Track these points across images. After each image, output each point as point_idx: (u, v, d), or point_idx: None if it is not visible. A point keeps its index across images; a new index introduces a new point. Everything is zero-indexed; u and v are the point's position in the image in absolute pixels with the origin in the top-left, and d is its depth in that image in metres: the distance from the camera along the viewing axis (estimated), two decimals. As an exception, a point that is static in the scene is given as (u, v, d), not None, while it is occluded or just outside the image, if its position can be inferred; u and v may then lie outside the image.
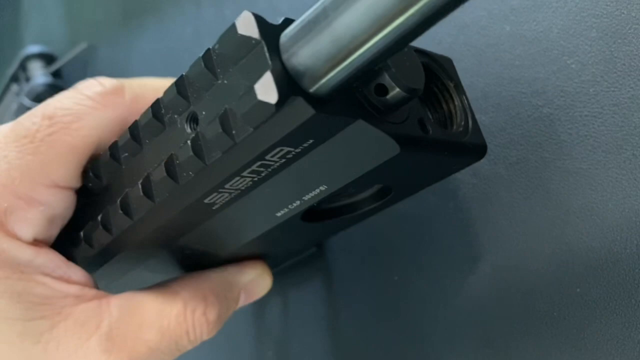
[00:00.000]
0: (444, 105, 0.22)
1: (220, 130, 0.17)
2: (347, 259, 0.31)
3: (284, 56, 0.16)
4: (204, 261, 0.25)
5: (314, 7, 0.15)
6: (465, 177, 0.26)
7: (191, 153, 0.18)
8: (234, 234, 0.23)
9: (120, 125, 0.23)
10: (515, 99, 0.25)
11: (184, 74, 0.19)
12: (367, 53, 0.15)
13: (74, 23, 0.55)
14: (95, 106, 0.22)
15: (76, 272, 0.23)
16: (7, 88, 0.56)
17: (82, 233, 0.23)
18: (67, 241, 0.24)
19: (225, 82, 0.17)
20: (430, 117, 0.21)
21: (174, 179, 0.19)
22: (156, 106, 0.20)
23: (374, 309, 0.29)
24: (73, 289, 0.22)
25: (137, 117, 0.21)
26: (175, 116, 0.19)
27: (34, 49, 0.54)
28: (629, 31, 0.22)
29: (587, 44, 0.23)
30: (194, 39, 0.41)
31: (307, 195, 0.21)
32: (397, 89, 0.18)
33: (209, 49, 0.18)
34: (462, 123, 0.21)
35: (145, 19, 0.45)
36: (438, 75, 0.22)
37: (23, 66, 0.54)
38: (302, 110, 0.16)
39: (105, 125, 0.22)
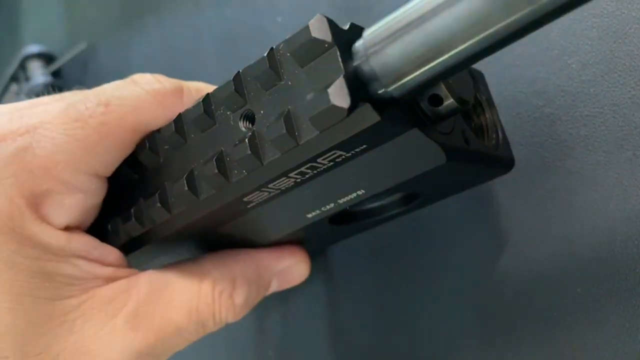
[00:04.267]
0: (477, 119, 0.22)
1: (284, 131, 0.17)
2: (347, 259, 0.31)
3: (356, 61, 0.16)
4: (236, 245, 0.25)
5: (395, 14, 0.16)
6: (465, 177, 0.26)
7: (249, 152, 0.18)
8: (260, 231, 0.23)
9: None
10: (516, 98, 0.25)
11: (240, 71, 0.19)
12: (448, 61, 0.15)
13: (74, 23, 0.55)
14: (153, 103, 0.22)
15: (112, 254, 0.23)
16: (6, 88, 0.56)
17: (115, 222, 0.23)
18: (102, 225, 0.23)
19: (290, 83, 0.17)
20: (471, 124, 0.21)
21: (225, 176, 0.19)
22: (207, 101, 0.20)
23: (374, 308, 0.29)
24: (107, 270, 0.22)
25: None
26: (228, 113, 0.19)
27: (33, 48, 0.54)
28: (630, 31, 0.22)
29: (587, 44, 0.23)
30: (194, 39, 0.41)
31: (343, 199, 0.21)
32: (451, 100, 0.18)
33: (272, 49, 0.18)
34: (494, 136, 0.22)
35: (145, 19, 0.45)
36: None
37: (22, 66, 0.54)
38: (368, 116, 0.16)
39: (159, 124, 0.22)
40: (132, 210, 0.22)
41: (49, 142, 0.20)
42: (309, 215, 0.22)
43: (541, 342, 0.24)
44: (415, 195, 0.23)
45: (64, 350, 0.21)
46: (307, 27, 0.16)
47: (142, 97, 0.21)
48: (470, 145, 0.20)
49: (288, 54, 0.17)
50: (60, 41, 0.55)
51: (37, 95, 0.53)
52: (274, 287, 0.26)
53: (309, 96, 0.17)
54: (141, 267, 0.24)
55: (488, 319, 0.25)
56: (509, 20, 0.14)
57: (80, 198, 0.21)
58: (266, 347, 0.34)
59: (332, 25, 0.16)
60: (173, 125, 0.21)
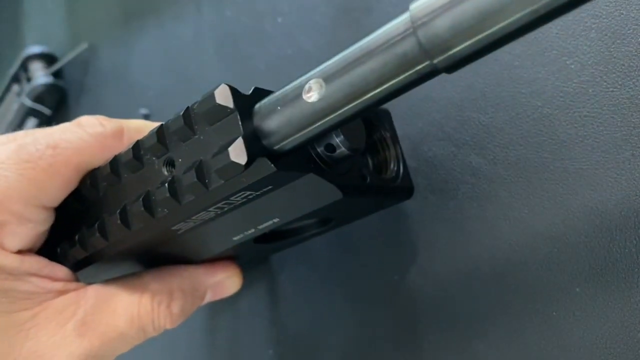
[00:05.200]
0: (381, 153, 0.26)
1: (195, 179, 0.20)
2: (347, 258, 0.31)
3: (255, 121, 0.20)
4: (174, 261, 0.28)
5: (289, 87, 0.19)
6: (465, 177, 0.26)
7: (168, 194, 0.21)
8: (194, 250, 0.27)
9: None
10: (515, 99, 0.25)
11: (163, 124, 0.22)
12: (328, 123, 0.18)
13: (75, 23, 0.55)
14: (95, 145, 0.25)
15: (60, 271, 0.26)
16: (8, 88, 0.56)
17: (63, 247, 0.26)
18: (53, 246, 0.26)
19: (201, 137, 0.21)
20: (370, 163, 0.25)
21: (150, 213, 0.22)
22: (137, 147, 0.23)
23: (374, 308, 0.30)
24: (57, 285, 0.25)
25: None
26: (154, 158, 0.22)
27: (34, 49, 0.54)
28: (628, 32, 0.22)
29: (586, 45, 0.23)
30: (194, 39, 0.41)
31: (261, 225, 0.24)
32: (343, 148, 0.21)
33: (188, 108, 0.21)
34: (395, 169, 0.26)
35: (145, 20, 0.46)
36: (378, 127, 0.26)
37: (24, 66, 0.54)
38: (265, 167, 0.19)
39: (100, 163, 0.25)
40: (76, 237, 0.25)
41: (3, 179, 0.23)
42: (235, 238, 0.25)
43: (541, 342, 0.24)
44: (329, 218, 0.26)
45: (19, 356, 0.24)
46: (213, 95, 0.20)
47: (85, 139, 0.24)
48: (367, 181, 0.23)
49: (200, 114, 0.20)
50: (62, 42, 0.55)
51: (39, 95, 0.53)
52: (209, 297, 0.29)
53: (215, 151, 0.20)
54: (89, 281, 0.27)
55: (487, 319, 0.25)
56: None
57: (30, 227, 0.25)
58: (266, 346, 0.34)
59: (235, 93, 0.20)
60: (109, 166, 0.24)
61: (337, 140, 0.21)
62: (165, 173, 0.22)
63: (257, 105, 0.20)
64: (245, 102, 0.20)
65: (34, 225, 0.25)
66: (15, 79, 0.55)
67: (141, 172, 0.23)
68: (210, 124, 0.20)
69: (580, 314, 0.23)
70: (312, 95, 0.18)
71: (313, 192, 0.22)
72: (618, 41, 0.22)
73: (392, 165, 0.26)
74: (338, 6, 0.32)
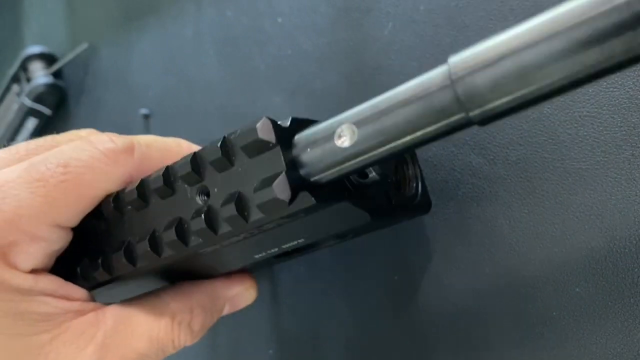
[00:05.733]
0: (401, 171, 0.26)
1: (235, 212, 0.20)
2: (347, 258, 0.31)
3: (295, 152, 0.20)
4: (193, 276, 0.28)
5: (323, 126, 0.19)
6: (465, 177, 0.26)
7: (204, 225, 0.21)
8: (213, 267, 0.27)
9: (126, 180, 0.25)
10: (515, 99, 0.25)
11: (197, 152, 0.22)
12: (361, 164, 0.19)
13: (75, 23, 0.55)
14: (107, 162, 0.24)
15: (76, 291, 0.25)
16: (7, 88, 0.56)
17: (84, 268, 0.26)
18: (71, 266, 0.26)
19: (240, 169, 0.21)
20: (392, 180, 0.25)
21: (183, 242, 0.22)
22: (167, 173, 0.23)
23: (374, 308, 0.30)
24: (74, 305, 0.25)
25: (142, 175, 0.24)
26: (186, 185, 0.22)
27: (34, 49, 0.54)
28: (628, 31, 0.22)
29: (586, 45, 0.23)
30: (195, 39, 0.41)
31: (285, 245, 0.24)
32: (374, 174, 0.22)
33: (225, 138, 0.21)
34: (415, 186, 0.26)
35: (145, 20, 0.46)
36: None
37: (24, 66, 0.54)
38: (306, 201, 0.19)
39: (113, 180, 0.25)
40: (99, 261, 0.25)
41: (13, 198, 0.23)
42: (256, 256, 0.25)
43: (541, 342, 0.24)
44: (346, 233, 0.27)
45: None
46: (255, 129, 0.20)
47: (96, 156, 0.24)
48: (391, 202, 0.24)
49: (239, 146, 0.20)
50: (62, 42, 0.55)
51: (39, 95, 0.53)
52: (226, 310, 0.29)
53: (257, 184, 0.20)
54: (105, 300, 0.26)
55: (487, 319, 0.25)
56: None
57: (43, 246, 0.24)
58: (267, 346, 0.34)
59: (276, 126, 0.20)
60: (136, 191, 0.23)
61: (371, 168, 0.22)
62: (200, 202, 0.22)
63: (296, 137, 0.20)
64: (285, 135, 0.20)
65: (47, 244, 0.24)
66: (15, 79, 0.55)
67: (171, 198, 0.23)
68: (249, 156, 0.20)
69: (580, 314, 0.23)
70: (344, 140, 0.19)
71: (342, 216, 0.22)
72: (618, 41, 0.22)
73: (412, 183, 0.26)
74: (338, 6, 0.32)
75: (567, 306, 0.23)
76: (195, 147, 0.28)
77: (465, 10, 0.27)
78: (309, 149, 0.20)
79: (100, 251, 0.25)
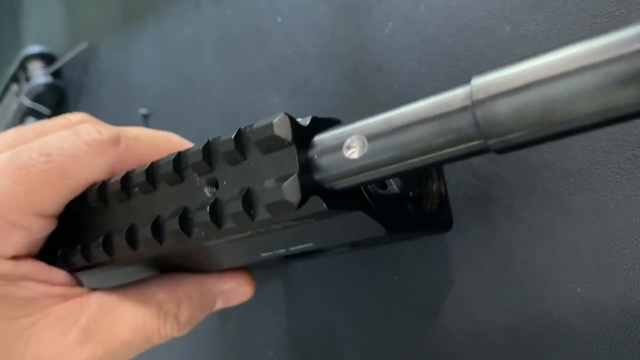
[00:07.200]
0: (424, 185, 0.25)
1: (241, 209, 0.19)
2: (347, 259, 0.31)
3: (310, 153, 0.19)
4: (195, 268, 0.27)
5: (342, 130, 0.19)
6: (465, 177, 0.26)
7: (208, 218, 0.20)
8: (218, 260, 0.26)
9: (111, 171, 0.25)
10: (515, 99, 0.25)
11: (210, 140, 0.21)
12: (376, 176, 0.18)
13: (74, 23, 0.55)
14: (91, 152, 0.24)
15: (59, 275, 0.25)
16: (7, 88, 0.56)
17: (79, 247, 0.25)
18: (57, 250, 0.26)
19: (252, 164, 0.20)
20: (414, 194, 0.24)
21: (186, 232, 0.21)
22: (178, 160, 0.22)
23: (374, 308, 0.29)
24: (57, 290, 0.25)
25: (127, 167, 0.24)
26: (195, 174, 0.21)
27: (33, 49, 0.54)
28: (629, 31, 0.22)
29: (587, 44, 0.23)
30: (194, 39, 0.41)
31: (294, 247, 0.23)
32: (394, 186, 0.21)
33: (239, 130, 0.20)
34: (437, 202, 0.25)
35: (145, 19, 0.45)
36: None
37: (23, 66, 0.54)
38: (317, 205, 0.18)
39: (96, 170, 0.25)
40: (97, 242, 0.24)
41: None
42: (263, 255, 0.24)
43: (541, 342, 0.24)
44: (359, 243, 0.26)
45: None
46: (271, 125, 0.19)
47: (80, 147, 0.24)
48: (410, 217, 0.23)
49: (254, 141, 0.19)
50: (61, 41, 0.55)
51: (38, 95, 0.53)
52: (219, 305, 0.28)
53: (267, 182, 0.19)
54: (94, 286, 0.26)
55: (487, 319, 0.25)
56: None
57: (24, 234, 0.24)
58: (267, 347, 0.34)
59: (294, 124, 0.19)
60: (145, 173, 0.23)
61: (391, 179, 0.21)
62: (208, 194, 0.21)
63: (315, 139, 0.19)
64: (303, 134, 0.19)
65: (29, 232, 0.24)
66: (14, 78, 0.55)
67: (179, 185, 0.22)
68: (263, 152, 0.19)
69: (580, 314, 0.23)
70: (354, 152, 0.18)
71: (356, 226, 0.21)
72: (619, 41, 0.22)
73: (435, 199, 0.25)
74: (338, 6, 0.32)
75: (568, 306, 0.23)
76: (187, 144, 0.27)
77: (466, 9, 0.27)
78: (326, 155, 0.19)
79: (99, 234, 0.25)
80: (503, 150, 0.15)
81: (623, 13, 0.22)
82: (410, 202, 0.23)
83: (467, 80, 0.16)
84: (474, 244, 0.26)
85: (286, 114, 0.19)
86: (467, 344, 0.26)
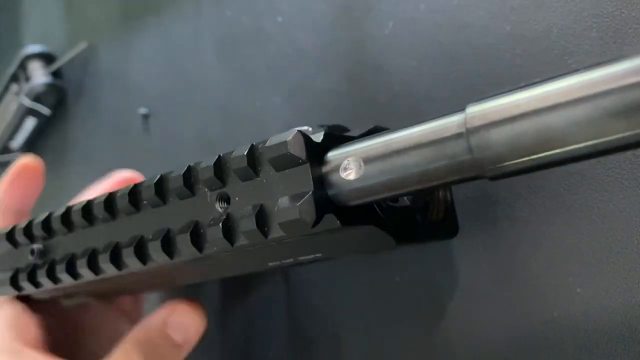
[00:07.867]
0: (431, 195, 0.25)
1: (255, 227, 0.19)
2: (347, 260, 0.31)
3: (324, 169, 0.19)
4: (195, 275, 0.27)
5: (344, 150, 0.19)
6: (465, 177, 0.26)
7: (221, 235, 0.20)
8: (216, 271, 0.26)
9: None
10: (516, 99, 0.25)
11: (221, 156, 0.21)
12: (372, 198, 0.18)
13: (74, 23, 0.55)
14: None
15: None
16: (6, 88, 0.55)
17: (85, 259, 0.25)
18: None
19: (265, 181, 0.19)
20: (422, 203, 0.24)
21: (198, 248, 0.21)
22: (188, 175, 0.22)
23: (374, 309, 0.29)
24: None
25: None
26: (206, 189, 0.21)
27: (33, 48, 0.54)
28: (629, 31, 0.22)
29: (587, 44, 0.23)
30: (194, 39, 0.41)
31: (302, 257, 0.23)
32: (406, 200, 0.21)
33: (252, 146, 0.20)
34: (443, 209, 0.25)
35: (145, 19, 0.45)
36: None
37: (23, 66, 0.54)
38: (330, 223, 0.18)
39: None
40: (86, 257, 0.25)
41: None
42: (270, 264, 0.24)
43: (541, 342, 0.24)
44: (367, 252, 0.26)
45: None
46: (285, 143, 0.18)
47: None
48: (418, 227, 0.23)
49: (267, 158, 0.19)
50: (61, 41, 0.55)
51: (38, 95, 0.53)
52: (179, 341, 0.29)
53: (281, 200, 0.19)
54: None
55: (487, 319, 0.25)
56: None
57: None
58: (266, 347, 0.34)
59: (308, 142, 0.19)
60: (154, 186, 0.23)
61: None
62: (219, 209, 0.21)
63: (328, 155, 0.19)
64: (317, 151, 0.19)
65: None
66: (14, 78, 0.55)
67: (190, 200, 0.22)
68: (276, 169, 0.19)
69: (580, 314, 0.23)
70: (350, 173, 0.18)
71: (367, 238, 0.21)
72: (619, 41, 0.22)
73: (441, 207, 0.25)
74: (338, 6, 0.32)
75: (568, 306, 0.23)
76: None
77: (466, 9, 0.27)
78: (340, 173, 0.19)
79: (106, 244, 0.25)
80: (496, 177, 0.16)
81: (623, 13, 0.22)
82: (417, 212, 0.23)
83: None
84: (475, 244, 0.26)
85: (299, 131, 0.19)
86: (467, 344, 0.26)
